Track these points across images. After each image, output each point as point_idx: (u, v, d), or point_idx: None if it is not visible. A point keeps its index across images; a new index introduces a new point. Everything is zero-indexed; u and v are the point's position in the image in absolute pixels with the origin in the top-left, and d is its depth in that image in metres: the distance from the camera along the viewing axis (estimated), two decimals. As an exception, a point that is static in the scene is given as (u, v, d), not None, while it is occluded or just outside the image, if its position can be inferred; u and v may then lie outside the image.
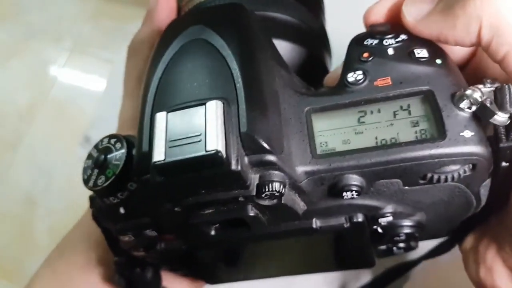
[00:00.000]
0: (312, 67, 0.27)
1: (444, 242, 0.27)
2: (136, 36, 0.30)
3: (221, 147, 0.17)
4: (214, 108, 0.18)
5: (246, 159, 0.18)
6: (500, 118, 0.18)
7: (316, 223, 0.22)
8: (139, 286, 0.27)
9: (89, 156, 0.22)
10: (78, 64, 1.16)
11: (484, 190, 0.21)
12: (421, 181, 0.20)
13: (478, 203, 0.21)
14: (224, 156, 0.17)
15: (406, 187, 0.20)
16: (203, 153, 0.17)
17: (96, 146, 0.22)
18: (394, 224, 0.22)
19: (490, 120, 0.18)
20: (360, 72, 0.20)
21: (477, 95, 0.18)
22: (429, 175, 0.19)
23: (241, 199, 0.19)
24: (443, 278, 0.39)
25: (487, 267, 0.23)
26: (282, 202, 0.19)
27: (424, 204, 0.22)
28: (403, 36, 0.21)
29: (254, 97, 0.19)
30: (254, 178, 0.19)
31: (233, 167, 0.17)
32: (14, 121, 1.11)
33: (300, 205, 0.21)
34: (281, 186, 0.19)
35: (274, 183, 0.18)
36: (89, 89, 1.13)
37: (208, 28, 0.20)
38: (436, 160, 0.18)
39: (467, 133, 0.18)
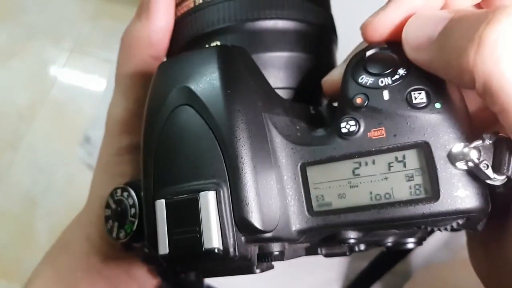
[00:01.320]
0: (319, 71, 0.26)
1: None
2: (131, 30, 0.28)
3: (217, 243, 0.18)
4: (207, 200, 0.19)
5: (243, 239, 0.19)
6: (497, 180, 0.18)
7: (321, 250, 0.24)
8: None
9: (107, 205, 0.24)
10: (78, 64, 1.16)
11: (480, 225, 0.21)
12: (417, 229, 0.20)
13: (476, 232, 0.21)
14: (222, 249, 0.18)
15: (403, 231, 0.21)
16: (202, 250, 0.18)
17: (112, 196, 0.24)
18: (397, 243, 0.24)
19: (486, 181, 0.18)
20: (353, 122, 0.20)
21: (474, 155, 0.18)
22: (423, 227, 0.20)
23: (244, 266, 0.21)
24: (443, 278, 0.39)
25: (475, 259, 0.23)
26: (284, 259, 0.21)
27: (423, 230, 0.23)
28: (401, 72, 0.20)
29: (246, 176, 0.19)
30: (254, 250, 0.20)
31: (231, 255, 0.19)
32: (14, 121, 1.11)
33: (303, 245, 0.22)
34: (280, 254, 0.20)
35: (273, 254, 0.20)
36: (89, 89, 1.13)
37: (193, 91, 0.20)
38: (429, 219, 0.19)
39: (462, 192, 0.18)
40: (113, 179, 0.27)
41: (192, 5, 0.25)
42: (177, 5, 0.26)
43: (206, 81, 0.20)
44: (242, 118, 0.19)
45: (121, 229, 0.23)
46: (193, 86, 0.20)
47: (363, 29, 0.21)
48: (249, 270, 0.21)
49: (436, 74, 0.19)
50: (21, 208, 1.03)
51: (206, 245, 0.18)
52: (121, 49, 0.28)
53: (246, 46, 0.22)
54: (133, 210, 0.23)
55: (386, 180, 0.19)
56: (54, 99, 1.12)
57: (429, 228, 0.20)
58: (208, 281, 0.33)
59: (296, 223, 0.20)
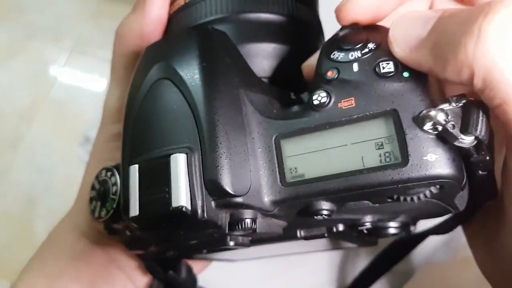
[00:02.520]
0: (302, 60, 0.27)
1: (447, 220, 0.26)
2: (125, 22, 0.29)
3: (185, 202, 0.18)
4: (177, 162, 0.19)
5: (213, 203, 0.19)
6: (465, 141, 0.18)
7: (300, 232, 0.24)
8: (177, 286, 0.29)
9: (93, 186, 0.25)
10: (78, 64, 1.16)
11: (459, 200, 0.20)
12: (389, 200, 0.20)
13: (456, 210, 0.21)
14: (190, 209, 0.18)
15: (377, 205, 0.21)
16: (169, 209, 0.18)
17: (97, 178, 0.25)
18: (378, 226, 0.23)
19: (455, 143, 0.18)
20: (324, 94, 0.20)
21: (441, 117, 0.17)
22: (395, 196, 0.20)
23: (216, 235, 0.20)
24: (443, 278, 0.39)
25: (476, 253, 0.23)
26: (257, 231, 0.20)
27: (402, 211, 0.22)
28: (371, 45, 0.20)
29: (217, 141, 0.19)
30: (225, 217, 0.20)
31: (199, 216, 0.19)
32: (14, 121, 1.11)
33: (280, 223, 0.22)
34: (252, 222, 0.20)
35: (244, 221, 0.20)
36: (89, 89, 1.13)
37: (172, 66, 0.21)
38: (399, 185, 0.18)
39: (431, 157, 0.18)
40: (103, 165, 0.28)
41: (182, 3, 0.26)
42: (171, 3, 0.27)
43: (185, 57, 0.21)
44: (217, 89, 0.20)
45: (103, 207, 0.23)
46: (172, 62, 0.21)
47: (337, 12, 0.21)
48: (222, 241, 0.21)
49: (430, 73, 0.19)
50: (21, 208, 1.03)
51: (174, 203, 0.18)
52: (115, 39, 0.29)
53: (233, 35, 0.23)
54: (114, 188, 0.23)
55: (357, 149, 0.19)
56: (54, 99, 1.12)
57: (401, 198, 0.19)
58: (201, 283, 0.33)
59: (269, 194, 0.20)
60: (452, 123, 0.17)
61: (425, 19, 0.19)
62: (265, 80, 0.24)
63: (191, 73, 0.20)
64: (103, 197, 0.24)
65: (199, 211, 0.19)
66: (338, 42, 0.21)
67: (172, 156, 0.19)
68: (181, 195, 0.18)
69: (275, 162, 0.20)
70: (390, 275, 0.42)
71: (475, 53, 0.16)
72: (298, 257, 0.29)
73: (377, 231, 0.23)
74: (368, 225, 0.23)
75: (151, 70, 0.21)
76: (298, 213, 0.21)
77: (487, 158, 0.18)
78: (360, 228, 0.23)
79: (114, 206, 0.23)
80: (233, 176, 0.19)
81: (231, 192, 0.19)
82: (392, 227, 0.23)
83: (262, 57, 0.25)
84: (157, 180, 0.19)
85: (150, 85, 0.21)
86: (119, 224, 0.23)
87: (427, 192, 0.19)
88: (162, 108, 0.21)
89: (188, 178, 0.19)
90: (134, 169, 0.20)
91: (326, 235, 0.23)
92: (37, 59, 1.16)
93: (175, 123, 0.20)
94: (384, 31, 0.20)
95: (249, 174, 0.20)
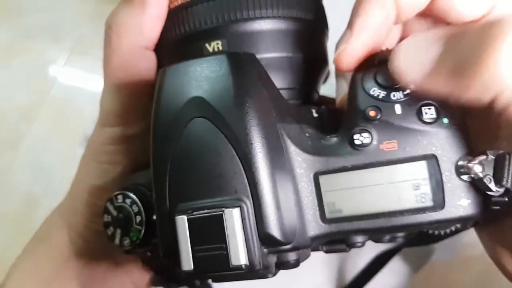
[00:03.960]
0: (312, 66, 0.26)
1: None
2: (120, 16, 0.25)
3: (244, 260, 0.19)
4: (232, 218, 0.19)
5: (265, 251, 0.20)
6: (498, 191, 0.19)
7: (322, 247, 0.24)
8: None
9: (107, 211, 0.24)
10: (78, 64, 1.16)
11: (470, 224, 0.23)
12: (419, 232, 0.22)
13: (471, 225, 0.23)
14: (248, 264, 0.19)
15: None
16: (229, 267, 0.19)
17: (111, 202, 0.23)
18: (396, 236, 0.24)
19: (487, 192, 0.19)
20: (367, 135, 0.20)
21: (478, 170, 0.19)
22: (425, 229, 0.22)
23: (260, 274, 0.21)
24: (444, 277, 0.39)
25: (489, 245, 0.24)
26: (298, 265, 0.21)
27: None
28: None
29: (269, 192, 0.19)
30: (272, 259, 0.20)
31: (257, 268, 0.19)
32: (14, 121, 1.11)
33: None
34: (296, 262, 0.21)
35: (289, 262, 0.21)
36: (89, 89, 1.13)
37: (209, 103, 0.20)
38: (434, 225, 0.20)
39: (464, 202, 0.20)
40: (101, 167, 0.27)
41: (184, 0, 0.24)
42: None
43: (221, 92, 0.20)
44: (261, 132, 0.20)
45: (126, 236, 0.23)
46: (206, 97, 0.20)
47: (337, 62, 0.21)
48: (263, 277, 0.21)
49: (446, 98, 0.18)
50: (22, 208, 1.03)
51: (234, 262, 0.19)
52: (108, 36, 0.26)
53: (247, 47, 0.23)
54: (138, 218, 0.23)
55: (394, 189, 0.20)
56: (54, 99, 1.12)
57: (430, 232, 0.22)
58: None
59: (310, 230, 0.21)
60: (490, 177, 0.19)
61: (431, 40, 0.18)
62: (281, 91, 0.23)
63: (232, 113, 0.19)
64: (124, 226, 0.23)
65: (256, 263, 0.19)
66: (375, 76, 0.21)
67: (226, 211, 0.19)
68: (240, 254, 0.19)
69: (315, 198, 0.21)
70: (390, 274, 0.42)
71: (499, 69, 0.16)
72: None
73: (394, 239, 0.25)
74: (386, 240, 0.24)
75: (183, 106, 0.20)
76: (329, 242, 0.22)
77: (506, 199, 0.20)
78: (379, 242, 0.24)
79: (141, 236, 0.23)
80: (284, 225, 0.19)
81: (283, 241, 0.19)
82: (401, 236, 0.25)
83: (279, 67, 0.24)
84: (211, 234, 0.19)
85: (185, 124, 0.20)
86: (142, 249, 0.23)
87: (453, 228, 0.21)
88: (203, 151, 0.20)
89: (243, 233, 0.19)
90: (183, 221, 0.19)
91: (347, 250, 0.24)
92: (37, 59, 1.16)
93: (220, 169, 0.19)
94: None
95: (296, 217, 0.20)
